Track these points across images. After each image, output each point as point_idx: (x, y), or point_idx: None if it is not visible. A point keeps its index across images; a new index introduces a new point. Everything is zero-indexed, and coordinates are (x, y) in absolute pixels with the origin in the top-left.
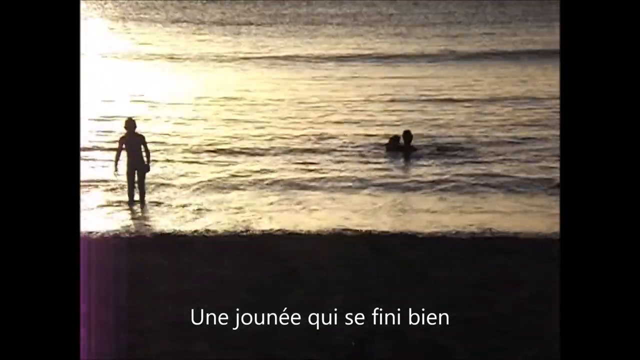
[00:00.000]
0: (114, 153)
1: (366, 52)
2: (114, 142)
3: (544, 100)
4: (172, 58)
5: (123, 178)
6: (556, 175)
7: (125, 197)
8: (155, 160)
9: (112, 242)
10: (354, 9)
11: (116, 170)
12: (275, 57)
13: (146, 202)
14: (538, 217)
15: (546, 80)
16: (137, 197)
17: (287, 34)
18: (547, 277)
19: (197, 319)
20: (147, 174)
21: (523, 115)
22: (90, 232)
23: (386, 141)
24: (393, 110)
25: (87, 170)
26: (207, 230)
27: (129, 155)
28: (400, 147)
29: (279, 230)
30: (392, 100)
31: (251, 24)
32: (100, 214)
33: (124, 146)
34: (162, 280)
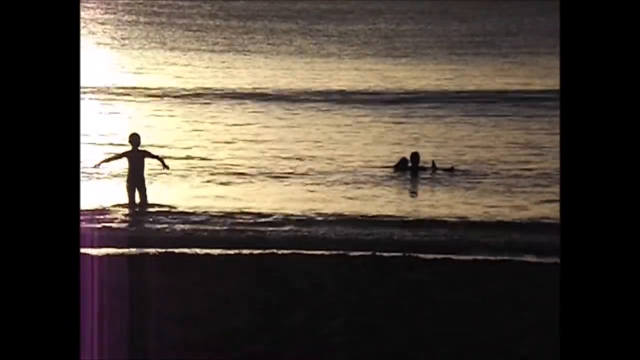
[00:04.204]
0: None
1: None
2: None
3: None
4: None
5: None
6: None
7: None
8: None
9: (113, 259)
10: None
11: (99, 165)
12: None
13: (148, 219)
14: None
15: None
16: (138, 214)
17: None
18: (550, 302)
19: (199, 339)
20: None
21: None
22: (91, 250)
23: (394, 163)
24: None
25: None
26: (210, 249)
27: (130, 172)
28: (409, 168)
29: (282, 249)
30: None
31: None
32: (101, 230)
33: (125, 159)
34: (164, 299)
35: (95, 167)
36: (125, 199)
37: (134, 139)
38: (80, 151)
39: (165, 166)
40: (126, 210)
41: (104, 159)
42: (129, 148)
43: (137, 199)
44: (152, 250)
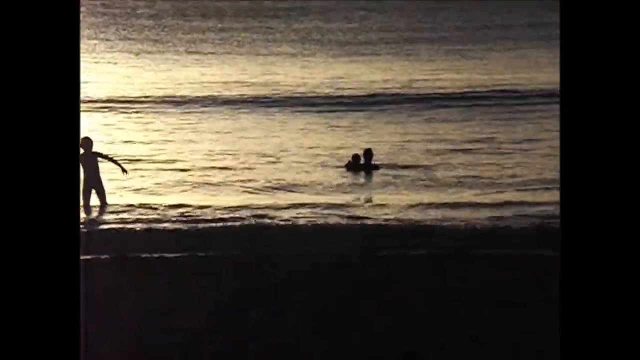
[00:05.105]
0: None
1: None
2: None
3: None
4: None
5: None
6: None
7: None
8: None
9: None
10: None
11: None
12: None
13: (106, 220)
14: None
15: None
16: (95, 215)
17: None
18: (544, 295)
19: (156, 342)
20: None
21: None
22: None
23: (348, 160)
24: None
25: None
26: (165, 250)
27: (85, 174)
28: (362, 166)
29: (240, 248)
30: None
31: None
32: None
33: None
34: (121, 301)
35: None
36: (81, 203)
37: (86, 142)
38: (79, 152)
39: (123, 170)
40: (82, 214)
41: None
42: (81, 152)
43: (96, 202)
44: (107, 254)
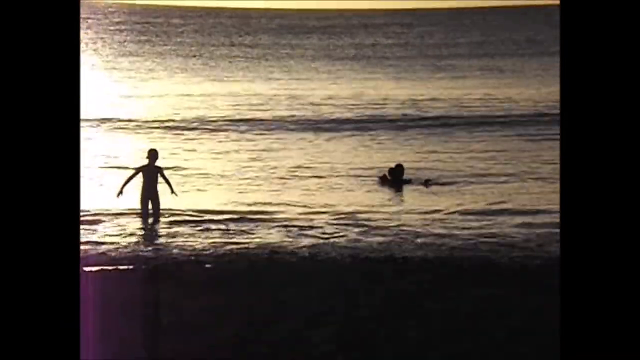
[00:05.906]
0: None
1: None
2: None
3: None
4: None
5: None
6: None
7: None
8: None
9: (114, 272)
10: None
11: (121, 192)
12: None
13: (158, 232)
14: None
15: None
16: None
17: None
18: (541, 307)
19: (189, 352)
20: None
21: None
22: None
23: (380, 175)
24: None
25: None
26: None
27: (145, 185)
28: (393, 181)
29: (270, 258)
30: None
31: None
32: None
33: (140, 175)
34: (154, 311)
35: (118, 195)
36: (139, 211)
37: (153, 154)
38: (80, 154)
39: (173, 192)
40: (138, 223)
41: (123, 183)
42: (146, 163)
43: (150, 210)
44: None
